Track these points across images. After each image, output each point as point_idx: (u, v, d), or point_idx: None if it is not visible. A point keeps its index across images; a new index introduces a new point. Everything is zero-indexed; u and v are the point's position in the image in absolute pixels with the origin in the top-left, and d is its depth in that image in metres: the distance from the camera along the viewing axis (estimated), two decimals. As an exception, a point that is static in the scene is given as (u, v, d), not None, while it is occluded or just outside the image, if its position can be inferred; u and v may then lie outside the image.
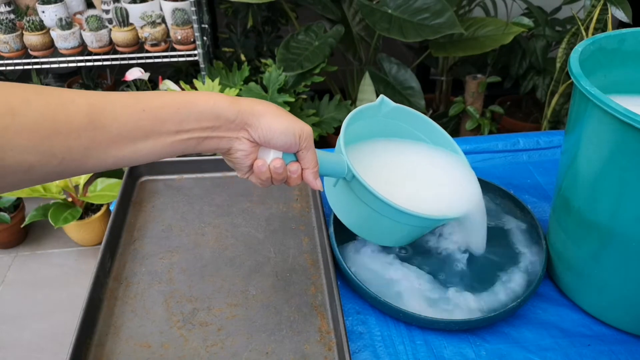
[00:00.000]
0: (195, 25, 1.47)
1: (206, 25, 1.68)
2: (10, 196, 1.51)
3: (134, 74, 1.43)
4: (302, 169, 0.49)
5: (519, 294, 0.55)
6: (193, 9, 1.44)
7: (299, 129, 0.47)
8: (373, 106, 0.59)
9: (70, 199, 1.51)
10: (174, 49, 1.52)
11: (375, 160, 0.61)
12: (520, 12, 1.77)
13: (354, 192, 0.54)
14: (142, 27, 1.50)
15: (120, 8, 1.45)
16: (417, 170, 0.61)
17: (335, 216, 0.65)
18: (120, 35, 1.47)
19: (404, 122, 0.62)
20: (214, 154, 1.49)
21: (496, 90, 1.96)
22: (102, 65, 1.57)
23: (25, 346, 1.34)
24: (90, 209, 1.59)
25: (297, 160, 0.49)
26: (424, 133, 0.63)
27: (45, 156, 0.35)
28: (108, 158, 0.38)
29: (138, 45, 1.51)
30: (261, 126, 0.45)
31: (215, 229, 0.66)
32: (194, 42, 1.50)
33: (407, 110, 0.62)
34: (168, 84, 1.42)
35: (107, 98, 0.38)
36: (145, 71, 1.46)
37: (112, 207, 0.66)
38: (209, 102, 0.43)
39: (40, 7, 1.49)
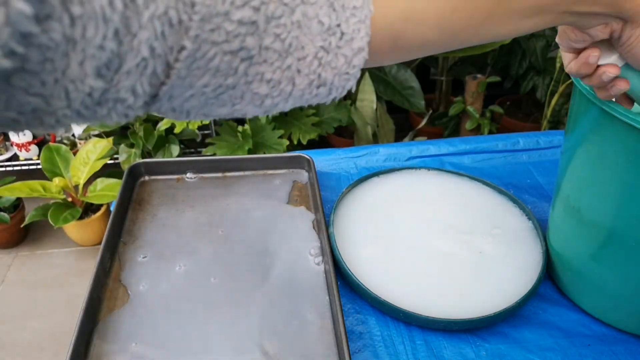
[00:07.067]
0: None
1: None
2: (9, 196, 1.51)
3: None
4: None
5: (519, 294, 0.55)
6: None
7: None
8: None
9: (70, 199, 1.51)
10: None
11: None
12: (520, 12, 1.76)
13: None
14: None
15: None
16: None
17: (335, 216, 0.65)
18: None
19: None
20: (213, 154, 1.48)
21: (496, 90, 1.96)
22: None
23: (25, 346, 1.34)
24: (90, 209, 1.59)
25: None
26: None
27: (444, 33, 0.31)
28: (489, 36, 0.33)
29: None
30: None
31: (215, 229, 0.66)
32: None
33: None
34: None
35: None
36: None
37: (112, 207, 0.66)
38: None
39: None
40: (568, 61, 0.42)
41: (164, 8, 0.21)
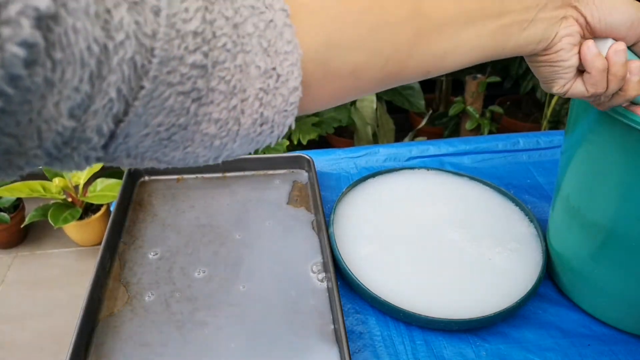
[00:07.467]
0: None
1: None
2: (9, 196, 1.51)
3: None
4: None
5: (519, 294, 0.55)
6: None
7: None
8: None
9: (70, 199, 1.51)
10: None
11: None
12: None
13: None
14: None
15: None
16: None
17: (335, 216, 0.65)
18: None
19: None
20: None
21: (496, 90, 1.96)
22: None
23: (25, 346, 1.34)
24: (90, 209, 1.59)
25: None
26: None
27: (372, 55, 0.32)
28: (427, 57, 0.34)
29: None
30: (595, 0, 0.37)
31: (215, 229, 0.66)
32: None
33: None
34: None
35: None
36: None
37: (112, 208, 0.66)
38: None
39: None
40: (581, 86, 0.40)
41: (132, 53, 0.23)
